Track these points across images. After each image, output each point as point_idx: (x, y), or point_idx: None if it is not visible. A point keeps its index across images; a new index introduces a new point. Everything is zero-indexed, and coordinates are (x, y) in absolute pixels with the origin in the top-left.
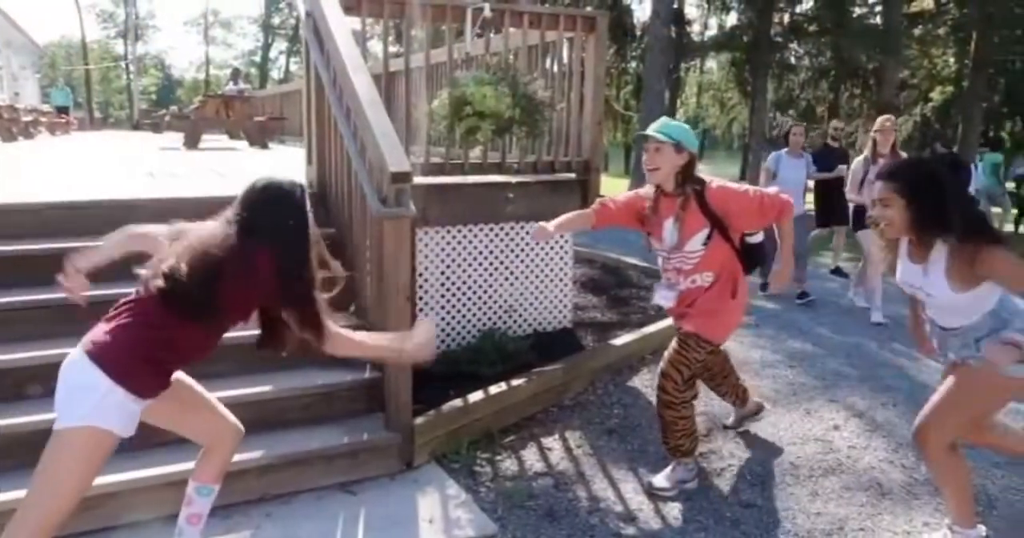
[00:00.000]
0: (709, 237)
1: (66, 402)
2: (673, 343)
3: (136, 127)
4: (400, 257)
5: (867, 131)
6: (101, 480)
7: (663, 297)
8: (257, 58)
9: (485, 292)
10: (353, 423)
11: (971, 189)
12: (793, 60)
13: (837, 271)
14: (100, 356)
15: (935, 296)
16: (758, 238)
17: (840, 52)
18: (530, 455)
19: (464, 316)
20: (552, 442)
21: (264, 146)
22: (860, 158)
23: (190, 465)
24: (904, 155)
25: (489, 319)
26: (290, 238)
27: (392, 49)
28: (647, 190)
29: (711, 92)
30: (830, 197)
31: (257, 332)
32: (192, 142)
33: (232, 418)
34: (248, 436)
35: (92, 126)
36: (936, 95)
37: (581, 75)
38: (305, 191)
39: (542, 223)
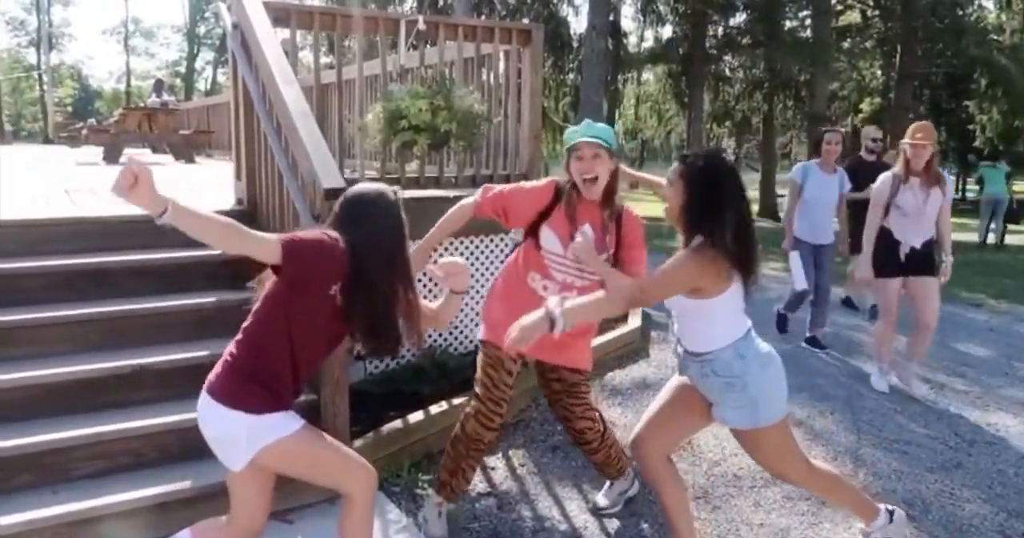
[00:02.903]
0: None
1: (226, 452)
2: (564, 398)
3: (47, 141)
4: None
5: (801, 142)
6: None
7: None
8: (182, 69)
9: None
10: None
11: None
12: (728, 72)
13: (848, 302)
14: (215, 391)
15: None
16: None
17: (773, 64)
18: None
19: None
20: (495, 461)
21: (190, 160)
22: (887, 175)
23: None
24: (944, 173)
25: (429, 336)
26: (373, 229)
27: (326, 60)
28: (544, 185)
29: (649, 104)
30: (861, 220)
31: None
32: (113, 157)
33: (263, 520)
34: (178, 465)
35: (2, 140)
36: (865, 106)
37: (518, 87)
38: (397, 193)
39: (432, 268)
